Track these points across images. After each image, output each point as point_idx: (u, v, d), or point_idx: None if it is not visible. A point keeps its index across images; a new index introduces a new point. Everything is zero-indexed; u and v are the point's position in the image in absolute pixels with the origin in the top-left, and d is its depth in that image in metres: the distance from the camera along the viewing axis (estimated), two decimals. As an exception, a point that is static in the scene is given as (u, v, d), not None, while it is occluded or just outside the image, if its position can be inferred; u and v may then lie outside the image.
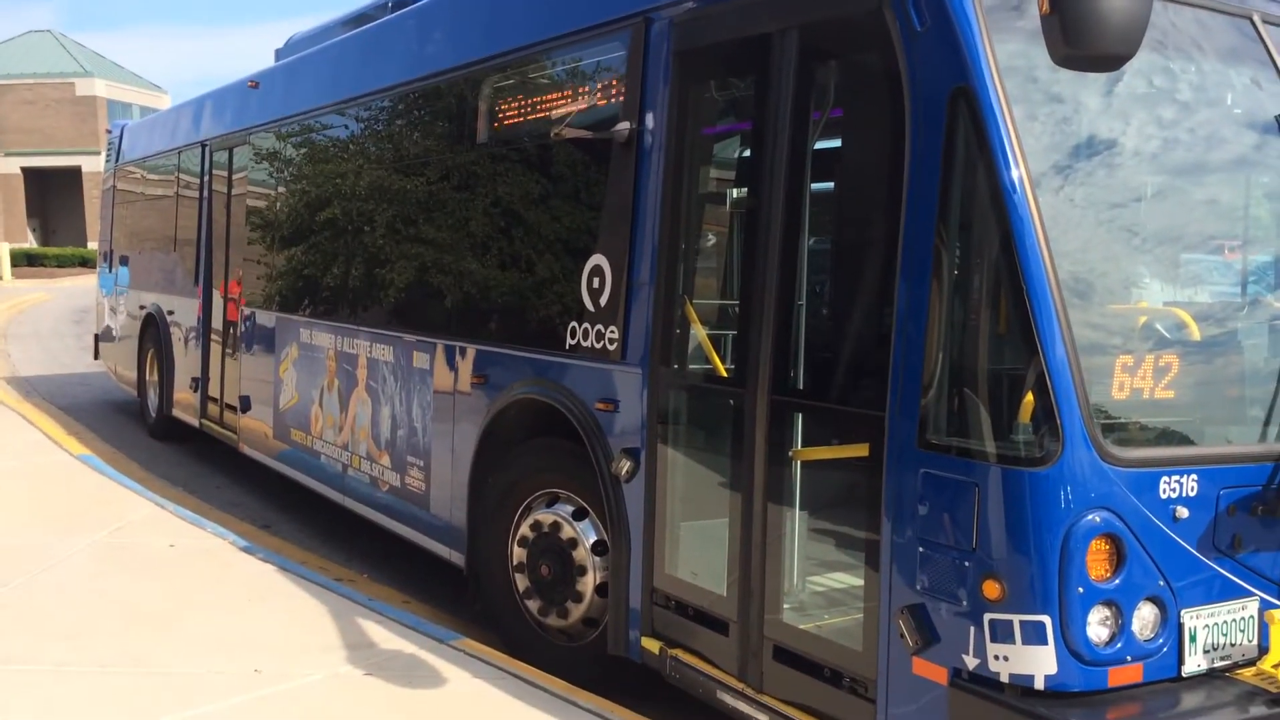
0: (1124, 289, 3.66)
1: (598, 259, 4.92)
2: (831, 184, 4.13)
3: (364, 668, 4.86)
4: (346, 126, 7.54)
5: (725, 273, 4.60)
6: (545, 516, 5.14)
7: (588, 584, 4.97)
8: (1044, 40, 2.96)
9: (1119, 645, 3.29)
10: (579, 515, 5.04)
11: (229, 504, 8.75)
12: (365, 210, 7.10)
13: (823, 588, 4.04)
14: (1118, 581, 3.28)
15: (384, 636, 5.25)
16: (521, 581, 5.26)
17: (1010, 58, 3.40)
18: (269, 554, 6.65)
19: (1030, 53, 3.43)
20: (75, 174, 49.80)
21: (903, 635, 3.46)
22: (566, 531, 5.05)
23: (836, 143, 4.06)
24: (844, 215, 4.09)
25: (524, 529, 5.22)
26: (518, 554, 5.26)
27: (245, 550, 6.69)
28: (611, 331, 4.80)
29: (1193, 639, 3.42)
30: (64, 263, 43.09)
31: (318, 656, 4.98)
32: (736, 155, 4.68)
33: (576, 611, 5.04)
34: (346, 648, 5.09)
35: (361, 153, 7.32)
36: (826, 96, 4.01)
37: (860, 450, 3.70)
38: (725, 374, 4.43)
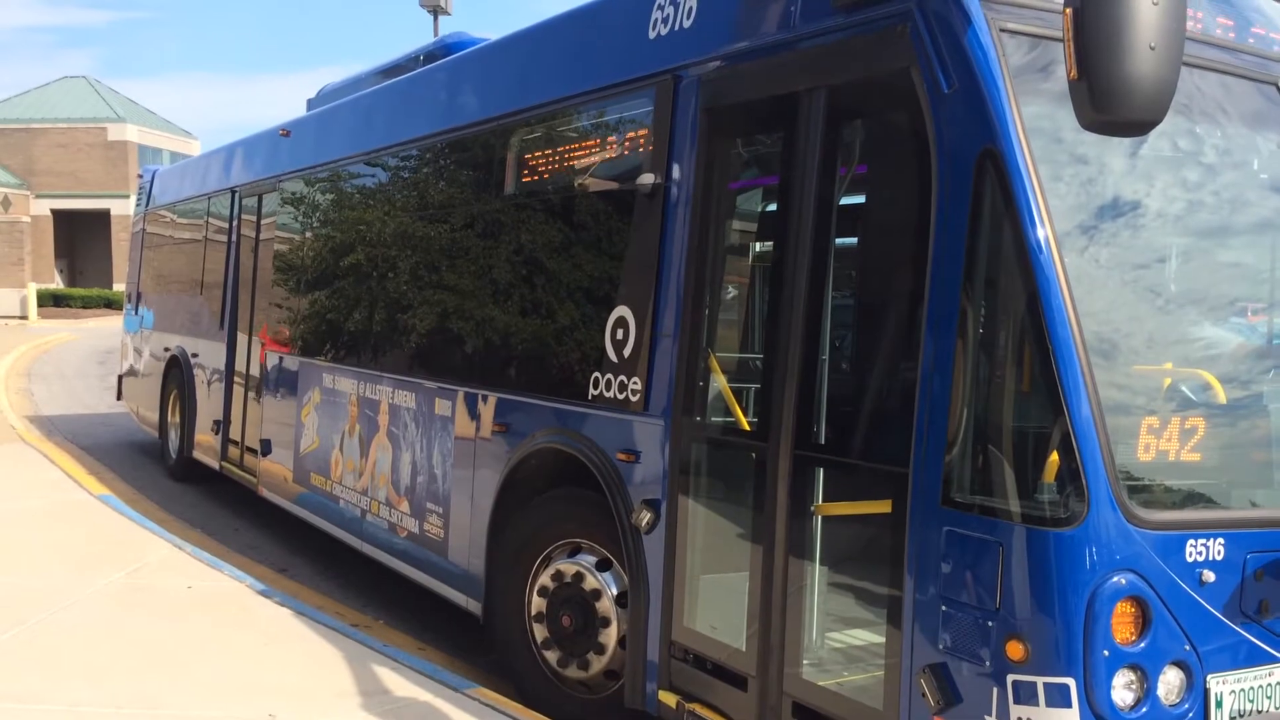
0: (1149, 350, 3.66)
1: (622, 310, 4.95)
2: (856, 240, 4.15)
3: (378, 714, 4.83)
4: (375, 175, 7.64)
5: (749, 326, 4.62)
6: (568, 566, 5.13)
7: (611, 636, 4.95)
8: (1071, 104, 2.99)
9: (1144, 709, 3.26)
10: (602, 566, 5.03)
11: (246, 546, 8.77)
12: (391, 258, 7.17)
13: (843, 644, 4.01)
14: (1143, 645, 3.26)
15: (399, 683, 5.22)
16: (540, 632, 5.24)
17: (1036, 119, 3.44)
18: (285, 598, 6.65)
19: (1056, 114, 3.47)
20: (104, 216, 50.43)
21: (924, 695, 3.43)
22: (590, 582, 5.03)
23: (862, 200, 4.10)
24: (869, 272, 4.11)
25: (544, 578, 5.20)
26: (537, 603, 5.24)
27: (262, 593, 6.68)
28: (635, 382, 4.82)
29: (1219, 705, 3.38)
30: (89, 304, 43.47)
31: (332, 702, 4.96)
32: (762, 210, 4.73)
33: (598, 664, 5.02)
34: (361, 694, 5.06)
35: (389, 201, 7.41)
36: (853, 154, 4.06)
37: (883, 506, 3.70)
38: (748, 427, 4.44)
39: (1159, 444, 3.44)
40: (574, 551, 5.18)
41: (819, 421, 4.01)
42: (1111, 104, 2.88)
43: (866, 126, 4.08)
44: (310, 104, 9.82)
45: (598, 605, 5.00)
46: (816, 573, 4.00)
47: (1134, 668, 3.25)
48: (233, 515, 9.95)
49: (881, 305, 3.98)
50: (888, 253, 4.00)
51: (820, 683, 3.92)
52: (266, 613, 6.32)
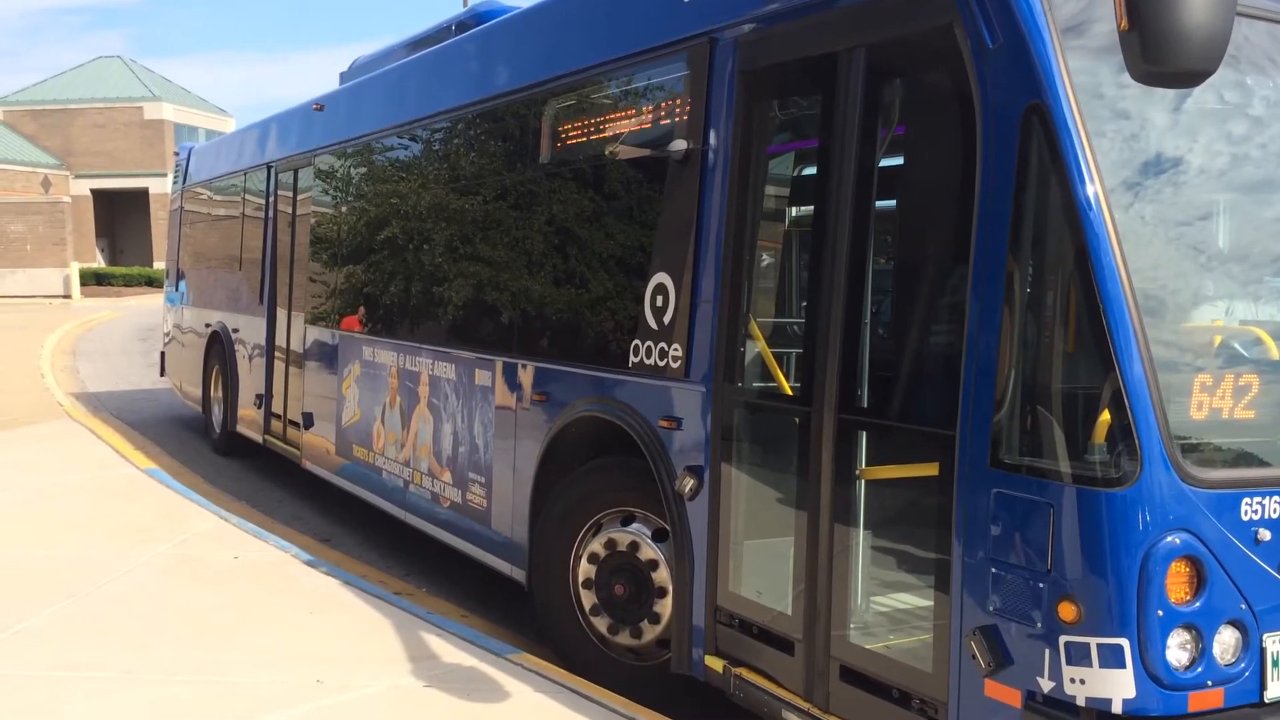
0: (1200, 306, 3.59)
1: (661, 277, 4.92)
2: (898, 201, 4.10)
3: (424, 680, 4.89)
4: (410, 147, 7.64)
5: (790, 290, 4.58)
6: (622, 536, 5.13)
7: (666, 605, 4.95)
8: (1123, 57, 2.92)
9: (1199, 669, 3.22)
10: (659, 536, 5.02)
11: (290, 517, 8.89)
12: (428, 230, 7.18)
13: (890, 608, 4.00)
14: (1198, 605, 3.22)
15: (443, 650, 5.29)
16: (588, 599, 5.25)
17: (1083, 73, 3.37)
18: (330, 567, 6.74)
19: (1103, 68, 3.40)
20: (143, 195, 50.88)
21: (974, 657, 3.41)
22: (646, 552, 5.03)
23: (904, 160, 4.04)
24: (913, 232, 4.06)
25: (595, 546, 5.20)
26: (585, 570, 5.25)
27: (307, 563, 6.78)
28: (675, 349, 4.80)
29: (1275, 664, 3.34)
30: (130, 282, 43.97)
31: (378, 668, 5.02)
32: (802, 173, 4.68)
33: (652, 632, 5.04)
34: (407, 660, 5.13)
35: (424, 173, 7.40)
36: (894, 114, 4.00)
37: (930, 469, 3.66)
38: (790, 392, 4.41)
39: (1211, 401, 3.38)
40: (626, 520, 5.17)
41: (864, 385, 3.97)
42: (1164, 55, 2.82)
43: (907, 85, 4.01)
44: (343, 77, 9.82)
45: (654, 575, 5.01)
46: (862, 537, 3.97)
47: (1189, 627, 3.21)
48: (276, 487, 10.06)
49: (925, 266, 3.94)
50: (930, 213, 3.94)
51: (868, 646, 3.91)
52: (311, 581, 6.41)
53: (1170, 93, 3.38)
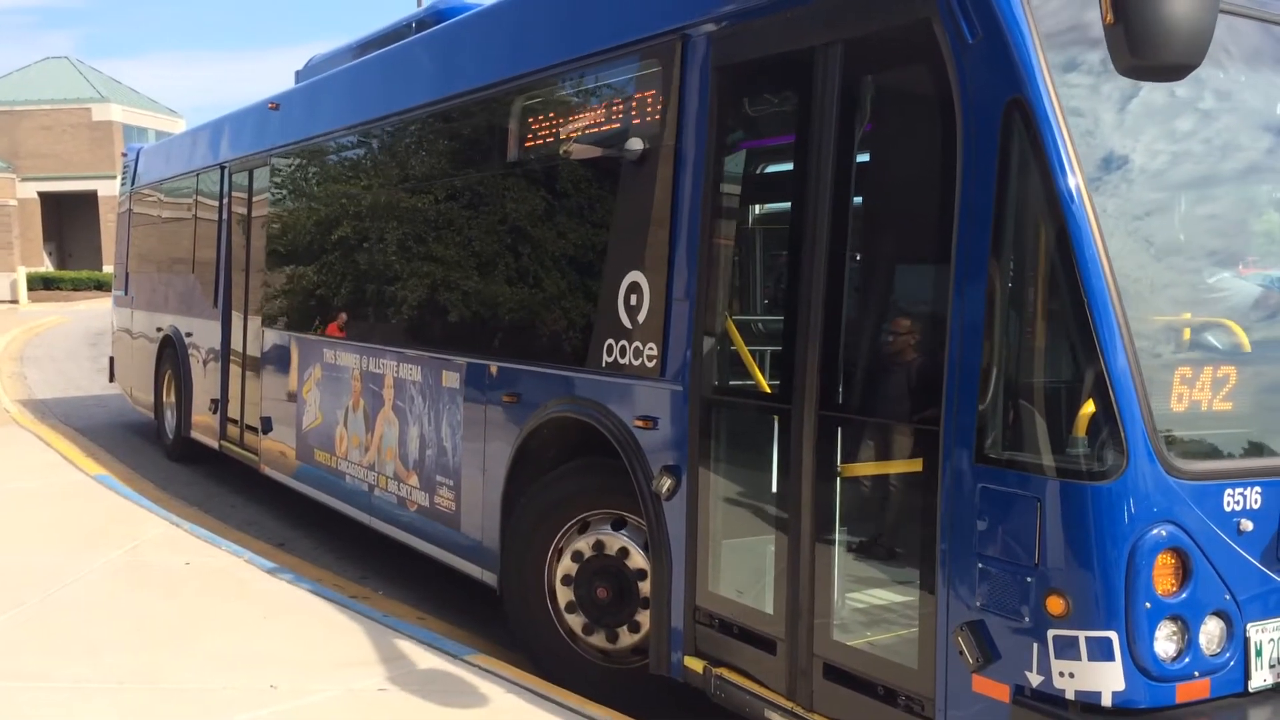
0: (1178, 300, 3.62)
1: (635, 276, 4.88)
2: (877, 196, 4.08)
3: (379, 683, 4.85)
4: (369, 146, 7.53)
5: (766, 288, 4.56)
6: (612, 539, 5.08)
7: (648, 617, 4.90)
8: (1108, 51, 2.92)
9: (1186, 660, 3.24)
10: (649, 546, 4.95)
11: (244, 522, 8.78)
12: (391, 230, 7.08)
13: (874, 605, 3.98)
14: (1184, 596, 3.23)
15: (399, 652, 5.26)
16: (564, 594, 5.19)
17: (1062, 67, 3.38)
18: (284, 571, 6.68)
19: (1082, 62, 3.41)
20: (91, 198, 49.94)
21: (962, 652, 3.40)
22: (635, 561, 5.00)
23: (883, 155, 4.03)
24: (892, 227, 4.05)
25: (580, 544, 5.14)
26: (565, 567, 5.19)
27: (260, 568, 6.71)
28: (650, 348, 4.76)
29: (1259, 653, 3.37)
30: (79, 286, 43.16)
31: (332, 672, 4.97)
32: (778, 169, 4.65)
33: (629, 640, 5.02)
34: (361, 664, 5.08)
35: (386, 172, 7.31)
36: (872, 109, 3.98)
37: (912, 465, 3.66)
38: (768, 389, 4.39)
39: (1191, 394, 3.40)
40: (618, 524, 5.11)
41: (844, 383, 3.96)
42: (1149, 48, 2.82)
43: (887, 81, 4.00)
44: (298, 76, 9.69)
45: (640, 585, 4.97)
46: (844, 534, 3.96)
47: (1175, 619, 3.23)
48: (230, 492, 9.93)
49: (904, 262, 3.93)
50: (909, 208, 3.94)
51: (852, 644, 3.89)
52: (265, 586, 6.33)
53: (1148, 86, 3.40)
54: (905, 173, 3.97)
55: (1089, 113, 3.42)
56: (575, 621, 5.18)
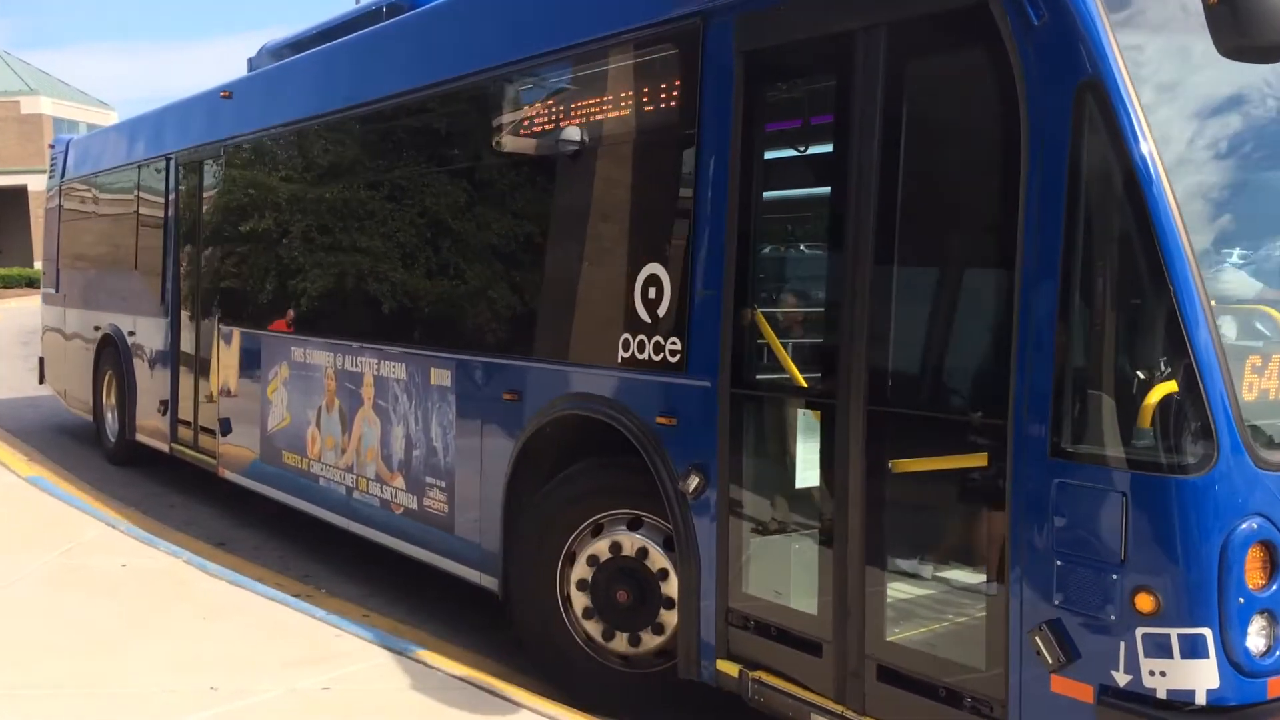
0: (1247, 285, 3.56)
1: (653, 268, 4.72)
2: (928, 184, 3.97)
3: (322, 682, 4.75)
4: (350, 135, 7.22)
5: (800, 280, 4.42)
6: (630, 540, 4.91)
7: (673, 617, 4.75)
8: (1210, 31, 2.84)
9: (1277, 654, 3.19)
10: (670, 544, 4.80)
11: (183, 523, 8.55)
12: (371, 222, 6.82)
13: (932, 604, 3.88)
14: (1274, 588, 3.18)
15: (343, 650, 5.17)
16: (580, 601, 5.02)
17: (1133, 48, 3.30)
18: (224, 571, 6.56)
19: (1150, 40, 3.35)
20: (21, 193, 48.16)
21: (1039, 652, 3.31)
22: (656, 560, 4.83)
23: (933, 141, 3.91)
24: (945, 215, 3.94)
25: (596, 548, 4.97)
26: (580, 572, 5.01)
27: (200, 568, 6.58)
28: (673, 342, 4.61)
29: None
30: (10, 283, 41.64)
31: (274, 673, 4.88)
32: (811, 157, 4.50)
33: (653, 642, 4.86)
34: (304, 663, 4.98)
35: (369, 161, 7.02)
36: (920, 94, 3.86)
37: (974, 460, 3.57)
38: (805, 384, 4.27)
39: (1261, 383, 3.34)
40: (634, 523, 4.94)
41: (896, 376, 3.85)
42: (1257, 28, 2.74)
43: (934, 65, 3.88)
44: (251, 63, 9.32)
45: (663, 585, 4.82)
46: (897, 532, 3.85)
47: (1265, 613, 3.17)
48: (170, 492, 9.70)
49: (960, 250, 3.83)
50: (964, 195, 3.84)
51: (909, 644, 3.78)
52: (205, 587, 6.21)
53: (1223, 65, 3.31)
54: (959, 159, 3.86)
55: (1160, 93, 3.35)
56: (594, 628, 5.01)
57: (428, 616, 6.30)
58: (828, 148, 4.11)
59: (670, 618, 4.80)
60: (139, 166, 10.66)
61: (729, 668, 4.38)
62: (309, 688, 4.70)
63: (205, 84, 9.21)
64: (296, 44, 8.73)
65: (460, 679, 4.84)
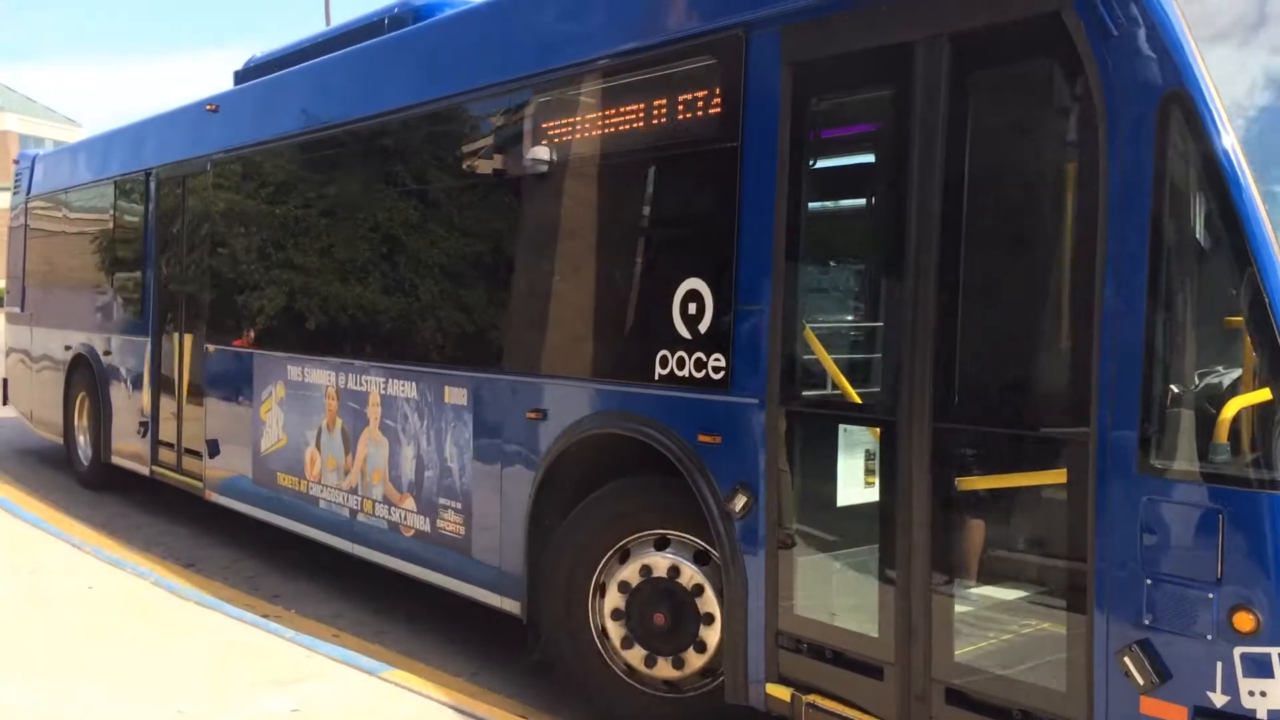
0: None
1: (694, 283, 4.62)
2: (997, 196, 3.91)
3: (292, 704, 4.71)
4: (362, 147, 6.98)
5: (855, 294, 4.34)
6: (659, 560, 4.78)
7: (714, 632, 4.64)
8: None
9: None
10: (700, 559, 4.70)
11: (150, 543, 8.43)
12: (379, 238, 6.65)
13: (1003, 626, 3.80)
14: None
15: (312, 671, 5.15)
16: (617, 631, 4.89)
17: (1217, 57, 3.26)
18: (192, 592, 6.55)
19: (1233, 50, 3.33)
20: (-14, 210, 47.13)
21: (1128, 673, 3.24)
22: (689, 577, 4.72)
23: (1001, 152, 3.85)
24: (1014, 227, 3.88)
25: (625, 573, 4.85)
26: (613, 600, 4.88)
27: (168, 589, 6.54)
28: (716, 359, 4.51)
29: None
30: (-32, 302, 40.61)
31: (245, 694, 4.85)
32: (870, 169, 4.43)
33: (697, 661, 4.72)
34: (274, 684, 4.95)
35: (383, 175, 6.82)
36: (985, 104, 3.80)
37: (1054, 477, 3.50)
38: (858, 400, 4.18)
39: None
40: (660, 543, 4.83)
41: (964, 391, 3.77)
42: None
43: (1000, 74, 3.83)
44: (238, 76, 9.12)
45: (699, 601, 4.70)
46: (966, 551, 3.78)
47: None
48: (134, 512, 9.57)
49: (1028, 261, 3.77)
50: (1030, 205, 3.79)
51: (980, 666, 3.70)
52: (173, 608, 6.18)
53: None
54: (1030, 169, 3.81)
55: (1242, 100, 3.33)
56: (634, 657, 4.87)
57: (402, 636, 6.23)
58: (884, 159, 4.05)
59: (711, 633, 4.69)
60: (114, 182, 10.40)
61: (780, 691, 4.28)
62: (278, 710, 4.66)
63: (166, 100, 9.01)
64: (285, 58, 8.54)
65: (431, 698, 4.84)
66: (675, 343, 4.67)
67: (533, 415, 5.41)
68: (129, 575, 6.78)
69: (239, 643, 5.56)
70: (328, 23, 18.91)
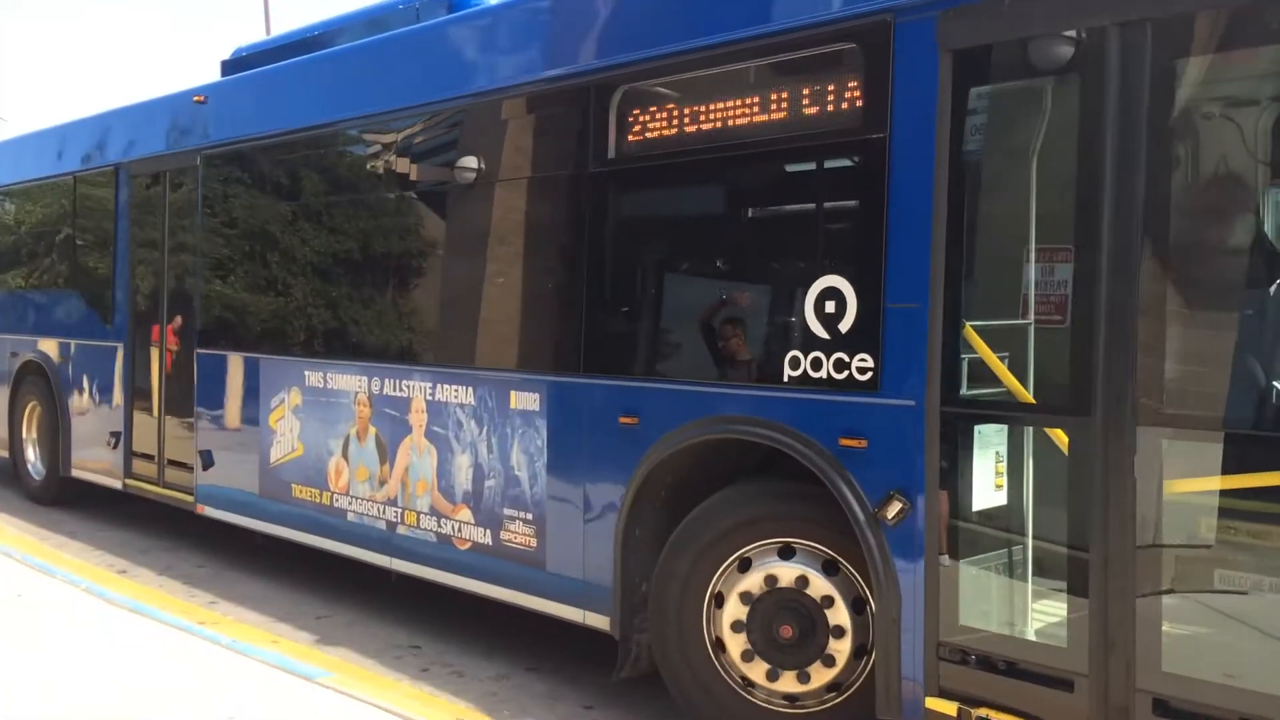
0: None
1: (831, 280, 4.41)
2: (1199, 181, 3.79)
3: (228, 711, 4.67)
4: (413, 134, 6.56)
5: (1031, 290, 4.15)
6: (785, 570, 4.56)
7: (843, 646, 4.44)
8: None
9: None
10: (829, 569, 4.49)
11: (84, 550, 8.25)
12: (425, 232, 6.29)
13: (1221, 634, 3.65)
14: None
15: (251, 677, 5.14)
16: (736, 644, 4.65)
17: None
18: (125, 599, 6.45)
19: None
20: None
21: None
22: (818, 588, 4.50)
23: (1202, 138, 3.73)
24: (1227, 216, 3.76)
25: (747, 584, 4.62)
26: (734, 612, 4.64)
27: (99, 596, 6.46)
28: (861, 359, 4.31)
29: None
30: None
31: (181, 702, 4.79)
32: (1050, 159, 4.22)
33: (824, 676, 4.50)
34: (211, 691, 4.91)
35: (446, 164, 6.42)
36: (1189, 91, 3.68)
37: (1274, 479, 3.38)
38: (1030, 400, 4.02)
39: None
40: (784, 552, 4.60)
41: (1165, 390, 3.63)
42: None
43: (1207, 61, 3.71)
44: (226, 67, 8.61)
45: (829, 613, 4.48)
46: (1174, 557, 3.64)
47: None
48: (72, 520, 9.30)
49: (1247, 251, 3.66)
50: (1244, 192, 3.67)
51: (1201, 676, 3.56)
52: (105, 616, 6.08)
53: None
54: (1242, 155, 3.69)
55: None
56: (754, 670, 4.64)
57: (341, 638, 6.19)
58: (1067, 148, 3.88)
59: (841, 647, 4.49)
60: (74, 177, 9.75)
61: (944, 706, 4.09)
62: (212, 718, 4.62)
63: (114, 96, 8.49)
64: (278, 49, 8.10)
65: (368, 702, 4.83)
66: (810, 343, 4.46)
67: (627, 420, 5.13)
68: (60, 582, 6.70)
69: (173, 650, 5.50)
70: (266, 23, 18.12)
